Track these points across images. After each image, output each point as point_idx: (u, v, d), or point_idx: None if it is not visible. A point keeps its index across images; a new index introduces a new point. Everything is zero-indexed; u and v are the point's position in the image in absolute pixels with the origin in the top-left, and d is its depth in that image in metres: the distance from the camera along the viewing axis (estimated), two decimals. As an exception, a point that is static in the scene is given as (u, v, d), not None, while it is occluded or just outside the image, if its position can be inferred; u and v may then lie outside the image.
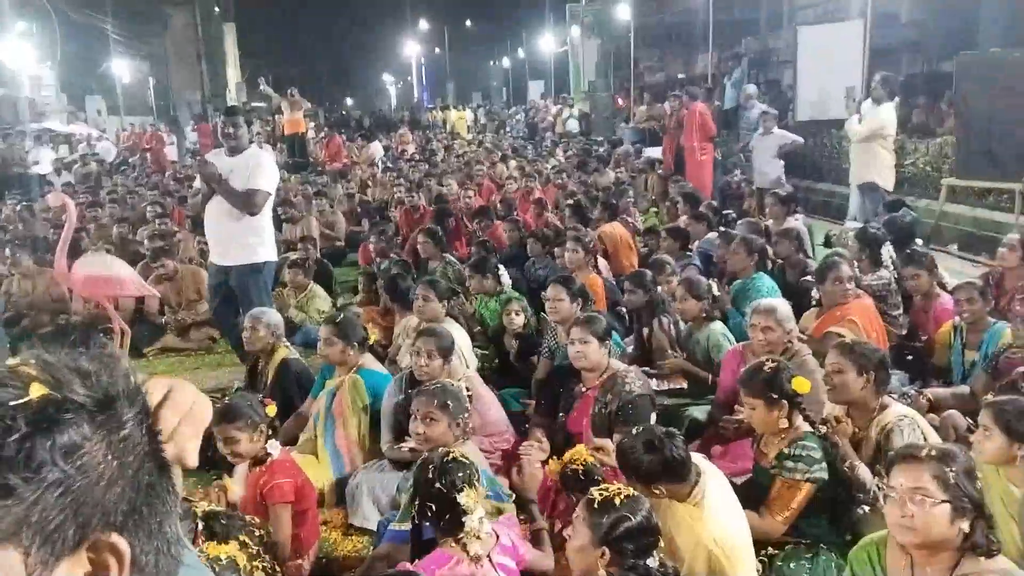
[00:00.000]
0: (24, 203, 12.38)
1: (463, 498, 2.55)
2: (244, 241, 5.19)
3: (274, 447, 3.25)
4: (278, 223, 9.91)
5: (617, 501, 2.37)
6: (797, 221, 7.28)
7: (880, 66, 10.63)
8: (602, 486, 2.50)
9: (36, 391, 0.70)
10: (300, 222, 9.45)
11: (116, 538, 0.72)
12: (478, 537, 2.54)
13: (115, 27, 31.08)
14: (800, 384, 3.01)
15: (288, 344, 4.86)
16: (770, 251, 5.94)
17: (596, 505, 2.37)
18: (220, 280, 5.39)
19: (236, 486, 3.29)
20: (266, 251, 5.32)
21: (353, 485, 3.87)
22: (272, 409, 3.39)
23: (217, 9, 39.43)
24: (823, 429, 3.11)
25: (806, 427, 3.08)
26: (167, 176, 15.69)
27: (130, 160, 19.35)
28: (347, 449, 4.07)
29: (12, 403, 0.69)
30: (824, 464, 3.01)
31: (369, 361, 4.36)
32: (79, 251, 6.97)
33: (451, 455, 2.72)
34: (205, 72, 32.16)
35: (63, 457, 0.69)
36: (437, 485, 2.58)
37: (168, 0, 36.06)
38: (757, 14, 23.15)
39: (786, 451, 2.99)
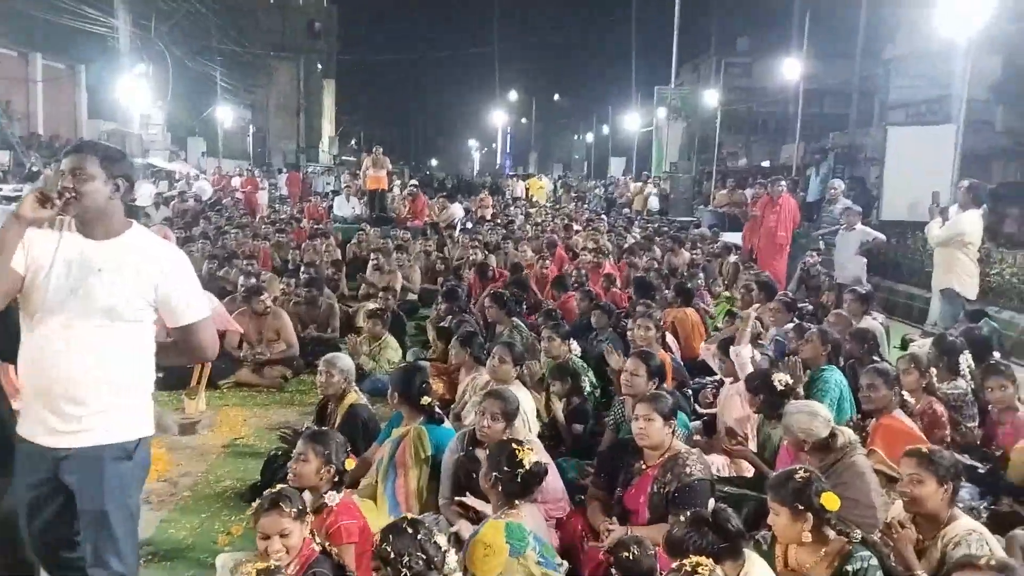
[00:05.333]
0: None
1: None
2: (119, 404, 2.78)
3: (332, 498, 3.35)
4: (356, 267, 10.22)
5: (711, 570, 2.49)
6: (875, 320, 7.16)
7: (971, 172, 10.51)
8: (685, 562, 2.55)
9: None
10: (387, 274, 9.73)
11: None
12: None
13: (223, 75, 32.99)
14: (829, 500, 2.95)
15: (358, 390, 5.01)
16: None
17: None
18: (42, 476, 2.76)
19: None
20: (148, 419, 2.91)
21: (408, 536, 3.94)
22: (351, 463, 3.56)
23: (320, 66, 41.46)
24: (858, 535, 3.03)
25: (843, 539, 3.00)
26: (257, 220, 16.40)
27: (224, 201, 20.28)
28: (405, 498, 4.14)
29: None
30: (881, 571, 2.94)
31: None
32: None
33: (407, 523, 2.78)
34: (302, 124, 33.67)
35: None
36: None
37: (275, 54, 38.15)
38: (846, 110, 23.22)
39: (848, 568, 2.89)
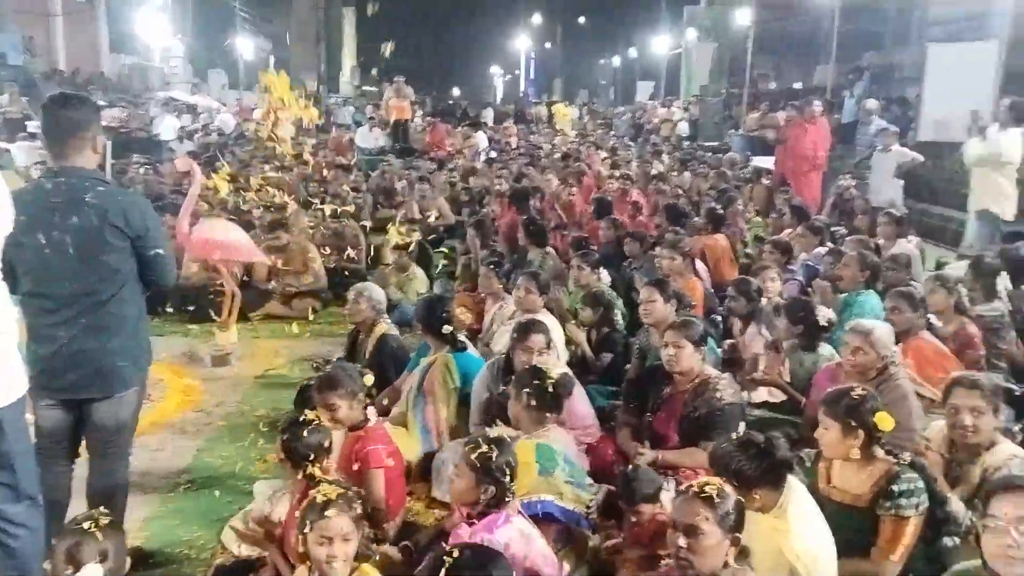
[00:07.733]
0: (148, 166, 13.08)
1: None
2: None
3: (372, 414, 3.41)
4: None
5: (719, 489, 2.43)
6: (910, 244, 7.01)
7: (1014, 91, 10.08)
8: (692, 482, 2.51)
9: None
10: (402, 206, 9.67)
11: None
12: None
13: (242, 5, 32.37)
14: (883, 420, 2.91)
15: (388, 321, 5.02)
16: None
17: (716, 498, 2.40)
18: None
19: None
20: None
21: (439, 460, 3.98)
22: (369, 379, 3.55)
23: (340, -7, 40.57)
24: (907, 458, 3.01)
25: (891, 459, 2.97)
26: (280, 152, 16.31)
27: (246, 134, 20.16)
28: (435, 426, 4.19)
29: None
30: (927, 493, 2.92)
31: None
32: (197, 215, 7.34)
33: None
34: (323, 54, 33.00)
35: None
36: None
37: (294, -18, 37.35)
38: (883, 27, 22.34)
39: (895, 488, 2.87)
